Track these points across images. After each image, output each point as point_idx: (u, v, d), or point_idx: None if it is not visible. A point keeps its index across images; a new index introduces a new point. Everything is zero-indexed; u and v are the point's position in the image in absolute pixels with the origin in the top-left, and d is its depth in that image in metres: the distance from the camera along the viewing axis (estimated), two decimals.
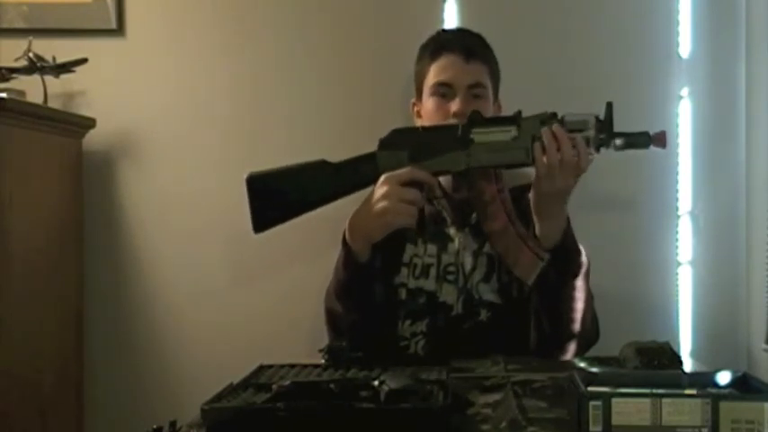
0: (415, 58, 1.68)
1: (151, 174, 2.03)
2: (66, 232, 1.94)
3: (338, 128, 1.98)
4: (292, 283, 1.99)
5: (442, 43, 1.64)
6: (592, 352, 1.51)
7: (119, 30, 2.01)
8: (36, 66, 1.88)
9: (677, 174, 1.96)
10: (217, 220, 1.99)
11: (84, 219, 2.01)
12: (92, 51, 1.93)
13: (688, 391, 0.99)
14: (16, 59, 1.89)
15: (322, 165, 1.43)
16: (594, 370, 1.23)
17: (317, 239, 1.82)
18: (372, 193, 1.40)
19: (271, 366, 1.26)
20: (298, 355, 1.43)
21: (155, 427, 1.00)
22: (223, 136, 2.02)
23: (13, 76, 1.87)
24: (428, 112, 1.61)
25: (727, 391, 1.03)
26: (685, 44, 1.97)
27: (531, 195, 1.40)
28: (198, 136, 2.02)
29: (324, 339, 1.50)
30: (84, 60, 1.91)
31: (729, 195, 1.96)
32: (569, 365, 1.31)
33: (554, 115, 1.35)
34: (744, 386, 1.03)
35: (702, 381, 1.04)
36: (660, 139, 1.33)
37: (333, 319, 1.53)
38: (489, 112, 1.61)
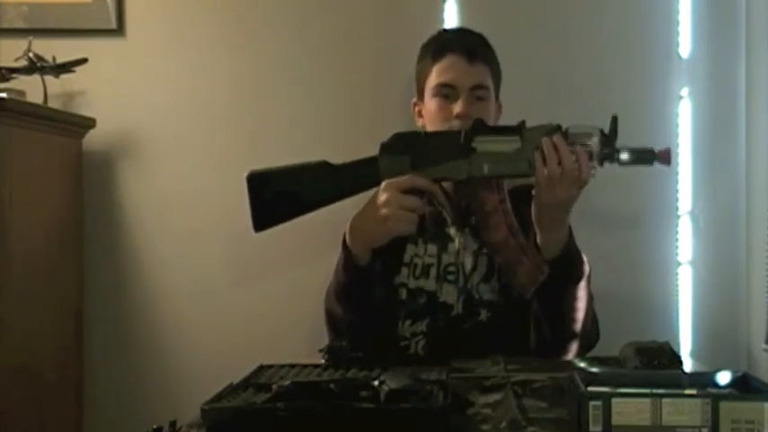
0: (415, 58, 1.67)
1: (151, 174, 2.03)
2: (67, 232, 1.94)
3: (338, 128, 1.98)
4: (292, 283, 1.99)
5: (445, 44, 1.63)
6: (592, 352, 1.51)
7: (119, 30, 2.01)
8: (36, 66, 1.88)
9: (677, 174, 1.96)
10: (217, 220, 1.99)
11: (84, 219, 2.01)
12: (92, 51, 1.94)
13: (688, 391, 0.99)
14: (16, 59, 1.89)
15: (323, 166, 1.42)
16: (594, 370, 1.23)
17: (317, 240, 1.82)
18: (373, 197, 1.40)
19: (271, 366, 1.26)
20: (298, 355, 1.43)
21: (155, 427, 1.00)
22: (223, 136, 2.02)
23: (13, 76, 1.87)
24: (430, 113, 1.60)
25: (727, 391, 1.02)
26: (685, 44, 1.97)
27: (532, 205, 1.39)
28: (198, 136, 2.03)
29: (324, 339, 1.49)
30: (84, 60, 1.91)
31: (729, 195, 1.96)
32: (569, 365, 1.31)
33: (558, 127, 1.34)
34: (744, 386, 1.03)
35: (702, 381, 1.04)
36: (665, 157, 1.32)
37: (333, 320, 1.53)
38: (491, 113, 1.60)
